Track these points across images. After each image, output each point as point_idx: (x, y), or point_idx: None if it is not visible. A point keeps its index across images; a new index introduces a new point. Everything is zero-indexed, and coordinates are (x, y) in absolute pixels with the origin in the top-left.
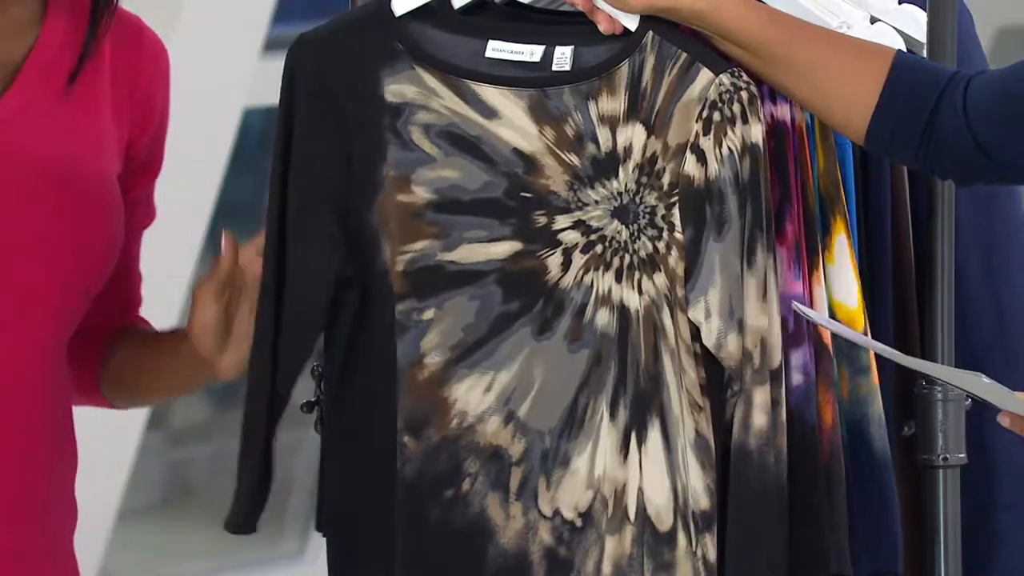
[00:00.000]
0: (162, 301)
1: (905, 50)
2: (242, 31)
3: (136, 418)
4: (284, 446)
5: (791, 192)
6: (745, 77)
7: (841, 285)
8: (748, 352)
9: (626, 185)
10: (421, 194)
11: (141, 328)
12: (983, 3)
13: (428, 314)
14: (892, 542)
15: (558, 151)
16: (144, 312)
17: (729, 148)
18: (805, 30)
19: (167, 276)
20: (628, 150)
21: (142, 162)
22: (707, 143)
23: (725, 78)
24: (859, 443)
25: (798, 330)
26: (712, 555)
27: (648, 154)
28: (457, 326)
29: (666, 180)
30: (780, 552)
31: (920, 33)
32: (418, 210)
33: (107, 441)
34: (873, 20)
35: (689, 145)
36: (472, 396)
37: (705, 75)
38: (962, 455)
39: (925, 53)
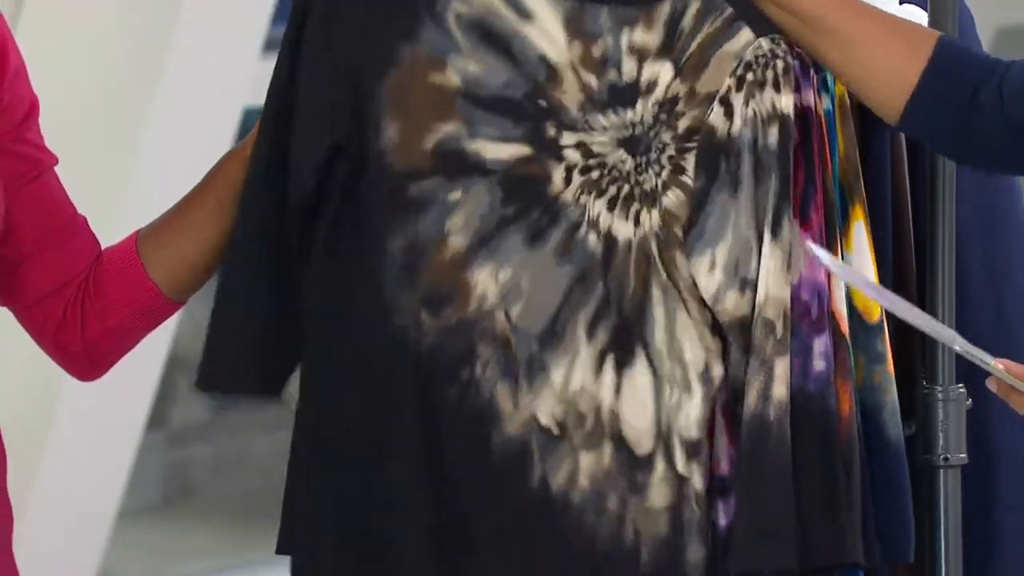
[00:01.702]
0: None
1: None
2: (242, 31)
3: (136, 418)
4: (284, 446)
5: (815, 178)
6: (784, 46)
7: (859, 271)
8: (770, 322)
9: (642, 117)
10: (453, 79)
11: (152, 223)
12: (983, 3)
13: (455, 195)
14: (905, 532)
15: (579, 68)
16: None
17: (755, 111)
18: (855, 3)
19: None
20: (652, 85)
21: (3, 105)
22: (737, 99)
23: (764, 42)
24: (873, 432)
25: (820, 317)
26: (700, 484)
27: (671, 94)
28: (477, 213)
29: (683, 124)
30: (790, 526)
31: None
32: (450, 93)
33: (107, 441)
34: None
35: (719, 97)
36: (491, 283)
37: (746, 34)
38: (963, 455)
39: None
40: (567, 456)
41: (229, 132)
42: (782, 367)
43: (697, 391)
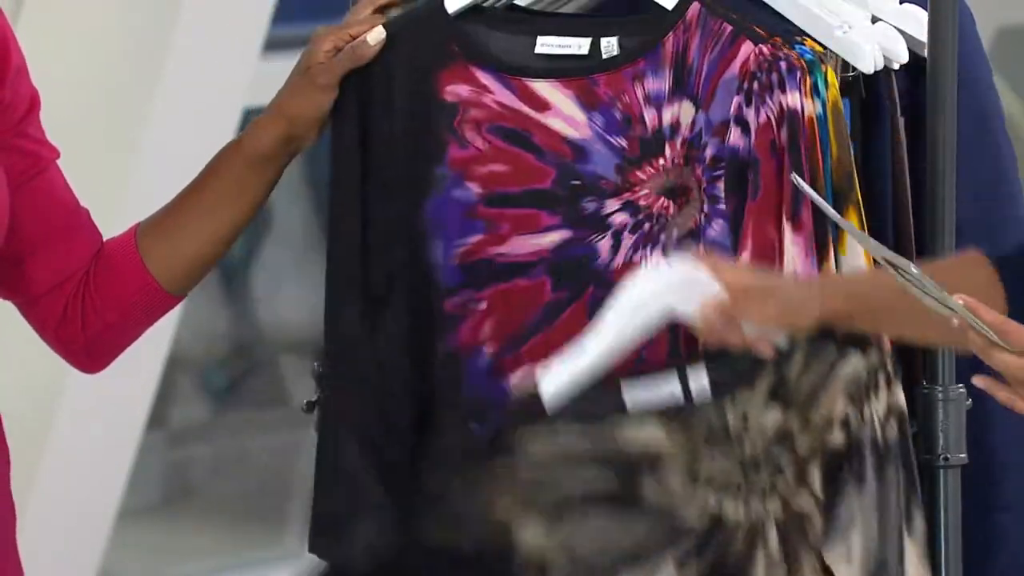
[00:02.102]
0: None
1: (906, 51)
2: (241, 31)
3: (136, 418)
4: (284, 446)
5: (805, 179)
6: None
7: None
8: None
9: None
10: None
11: (153, 215)
12: (983, 3)
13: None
14: None
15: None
16: None
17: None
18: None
19: None
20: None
21: (6, 103)
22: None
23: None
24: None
25: None
26: None
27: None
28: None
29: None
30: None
31: (921, 33)
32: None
33: (107, 441)
34: (874, 20)
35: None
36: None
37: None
38: (963, 455)
39: (926, 53)
40: None
41: (229, 132)
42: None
43: None
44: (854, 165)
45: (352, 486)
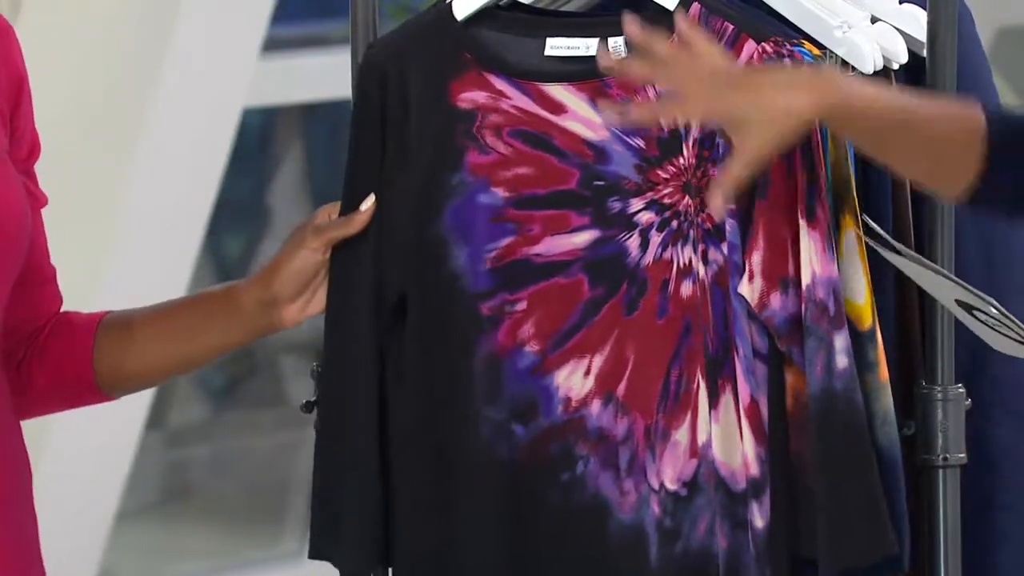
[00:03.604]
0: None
1: (906, 51)
2: (241, 31)
3: (135, 418)
4: (283, 446)
5: (818, 179)
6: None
7: (850, 280)
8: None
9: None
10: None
11: (125, 312)
12: (983, 3)
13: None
14: (901, 541)
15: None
16: None
17: None
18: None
19: (165, 275)
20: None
21: (19, 134)
22: None
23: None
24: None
25: (838, 312)
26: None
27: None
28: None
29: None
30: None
31: (921, 33)
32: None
33: (106, 441)
34: (874, 20)
35: None
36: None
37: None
38: (962, 455)
39: (925, 53)
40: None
41: (228, 133)
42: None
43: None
44: (851, 170)
45: (353, 488)
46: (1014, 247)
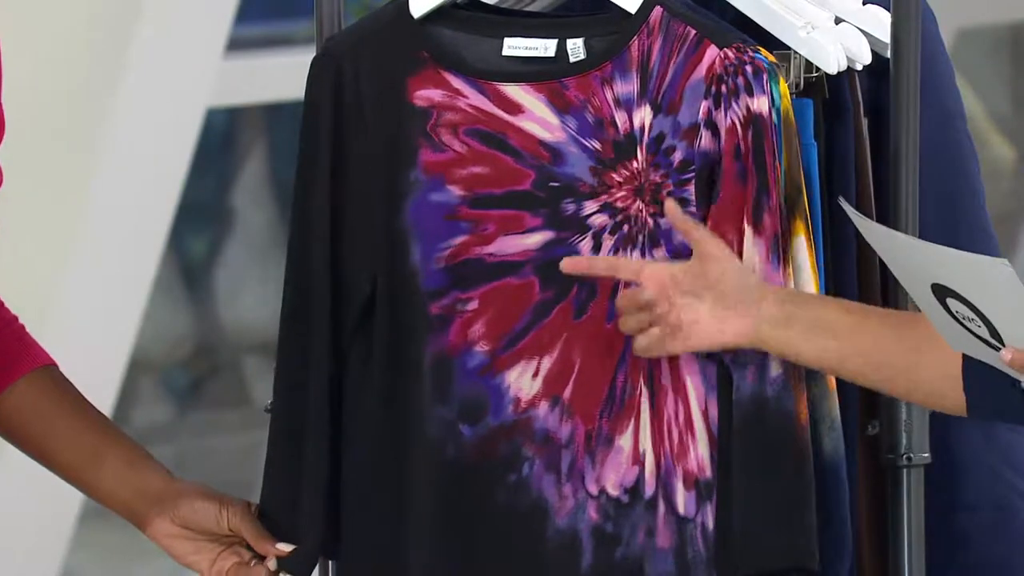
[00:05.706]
0: (123, 301)
1: (869, 51)
2: (204, 31)
3: None
4: (247, 446)
5: (769, 184)
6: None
7: (800, 287)
8: None
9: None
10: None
11: (52, 384)
12: (945, 4)
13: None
14: (839, 549)
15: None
16: (105, 313)
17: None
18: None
19: (129, 275)
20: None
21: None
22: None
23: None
24: (813, 444)
25: None
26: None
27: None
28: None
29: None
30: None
31: (884, 34)
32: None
33: None
34: (838, 21)
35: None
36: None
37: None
38: (926, 455)
39: (889, 54)
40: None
41: (191, 132)
42: None
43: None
44: (802, 174)
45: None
46: (977, 249)
